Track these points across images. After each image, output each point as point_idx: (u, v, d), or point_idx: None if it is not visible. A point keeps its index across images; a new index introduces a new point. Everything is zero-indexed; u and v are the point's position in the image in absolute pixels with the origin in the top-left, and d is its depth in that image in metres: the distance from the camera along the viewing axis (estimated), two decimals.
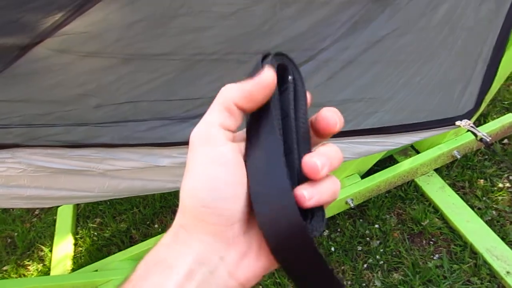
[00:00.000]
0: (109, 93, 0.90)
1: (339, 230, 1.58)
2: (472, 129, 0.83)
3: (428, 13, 0.96)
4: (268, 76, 0.28)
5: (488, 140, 0.83)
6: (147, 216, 1.81)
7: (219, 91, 0.29)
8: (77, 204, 1.94)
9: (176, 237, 0.27)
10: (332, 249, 1.52)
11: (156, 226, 1.76)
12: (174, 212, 1.78)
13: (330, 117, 0.30)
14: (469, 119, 0.84)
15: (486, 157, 1.69)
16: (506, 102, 1.87)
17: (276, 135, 0.27)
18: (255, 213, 0.25)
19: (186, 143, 0.90)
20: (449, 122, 0.86)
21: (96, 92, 0.89)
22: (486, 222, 1.46)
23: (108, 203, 1.92)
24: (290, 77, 0.31)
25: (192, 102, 0.98)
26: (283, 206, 0.25)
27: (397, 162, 1.66)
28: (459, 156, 1.64)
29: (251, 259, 0.27)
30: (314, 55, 0.96)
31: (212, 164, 0.26)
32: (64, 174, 0.83)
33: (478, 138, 0.83)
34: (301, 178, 0.28)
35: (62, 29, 0.79)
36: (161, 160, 0.85)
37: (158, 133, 0.94)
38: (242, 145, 0.29)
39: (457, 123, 0.85)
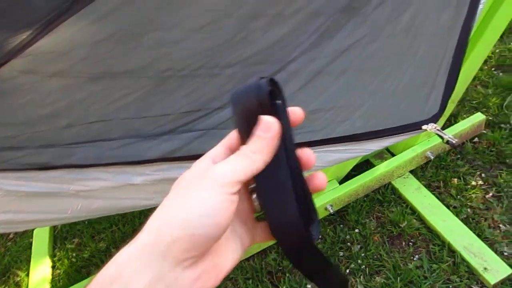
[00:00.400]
0: (80, 112, 0.89)
1: (320, 236, 1.59)
2: (438, 132, 0.85)
3: (393, 20, 0.98)
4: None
5: (454, 142, 0.86)
6: (127, 233, 1.78)
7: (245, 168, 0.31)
8: (54, 226, 1.90)
9: (138, 256, 0.28)
10: None
11: None
12: None
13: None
14: (435, 123, 0.86)
15: (459, 156, 1.73)
16: (474, 102, 1.93)
17: (284, 167, 0.33)
18: (277, 239, 0.33)
19: (159, 160, 0.89)
20: (416, 126, 0.88)
21: (66, 112, 0.88)
22: (462, 220, 1.49)
23: (86, 222, 1.88)
24: (279, 102, 0.35)
25: (165, 118, 0.97)
26: (297, 234, 0.32)
27: (374, 166, 1.68)
28: (432, 157, 1.68)
29: (201, 281, 0.29)
30: (284, 66, 0.97)
31: (221, 204, 0.29)
32: (35, 197, 0.81)
33: (445, 141, 0.86)
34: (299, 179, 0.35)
35: (29, 48, 0.78)
36: (134, 178, 0.84)
37: (131, 151, 0.93)
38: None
39: (424, 127, 0.87)
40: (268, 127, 0.31)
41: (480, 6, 0.87)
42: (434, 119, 0.88)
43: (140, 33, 0.81)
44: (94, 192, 0.83)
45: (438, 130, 0.84)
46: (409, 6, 0.97)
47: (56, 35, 0.77)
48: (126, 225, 1.82)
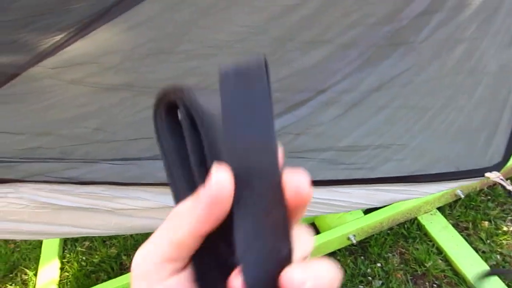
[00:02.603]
0: (121, 127, 0.86)
1: (339, 267, 1.53)
2: (502, 182, 0.80)
3: (443, 55, 0.94)
4: (218, 194, 0.21)
5: None
6: (139, 242, 1.74)
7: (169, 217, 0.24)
8: None
9: None
10: None
11: None
12: None
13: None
14: (498, 171, 0.81)
15: (489, 197, 1.67)
16: None
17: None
18: None
19: None
20: (477, 173, 0.83)
21: (104, 124, 0.85)
22: (491, 267, 1.43)
23: None
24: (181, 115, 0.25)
25: None
26: None
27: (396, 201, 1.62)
28: (462, 196, 1.62)
29: None
30: (322, 90, 0.93)
31: None
32: (67, 210, 0.77)
33: (507, 192, 0.81)
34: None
35: (62, 50, 0.76)
36: None
37: None
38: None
39: (487, 175, 0.82)
40: (213, 189, 0.21)
41: None
42: (497, 167, 0.83)
43: (175, 43, 0.79)
44: (131, 211, 0.78)
45: (501, 179, 0.79)
46: (461, 41, 0.93)
47: (90, 40, 0.76)
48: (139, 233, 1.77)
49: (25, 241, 1.84)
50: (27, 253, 1.79)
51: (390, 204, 1.57)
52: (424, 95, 0.96)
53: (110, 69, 0.80)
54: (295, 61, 0.88)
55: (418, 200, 1.57)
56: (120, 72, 0.81)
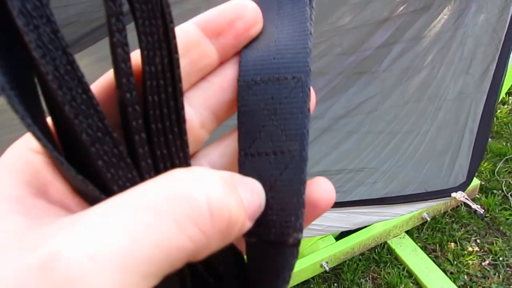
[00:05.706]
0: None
1: None
2: (467, 201, 0.84)
3: (404, 83, 0.99)
4: None
5: (482, 212, 0.85)
6: None
7: None
8: None
9: None
10: None
11: None
12: None
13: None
14: (463, 191, 0.85)
15: (454, 219, 1.73)
16: None
17: None
18: None
19: None
20: (444, 193, 0.87)
21: None
22: (459, 287, 1.46)
23: None
24: None
25: None
26: None
27: (370, 224, 1.65)
28: (429, 219, 1.67)
29: None
30: None
31: None
32: None
33: (472, 210, 0.85)
34: None
35: None
36: None
37: None
38: None
39: (453, 194, 0.86)
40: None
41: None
42: (462, 187, 0.87)
43: None
44: None
45: (466, 199, 0.83)
46: (419, 70, 0.98)
47: None
48: None
49: None
50: None
51: (362, 228, 1.59)
52: (389, 121, 1.00)
53: None
54: None
55: (387, 224, 1.60)
56: None
